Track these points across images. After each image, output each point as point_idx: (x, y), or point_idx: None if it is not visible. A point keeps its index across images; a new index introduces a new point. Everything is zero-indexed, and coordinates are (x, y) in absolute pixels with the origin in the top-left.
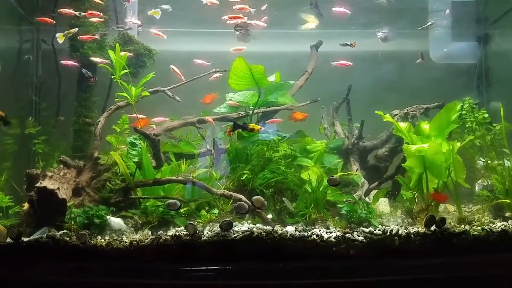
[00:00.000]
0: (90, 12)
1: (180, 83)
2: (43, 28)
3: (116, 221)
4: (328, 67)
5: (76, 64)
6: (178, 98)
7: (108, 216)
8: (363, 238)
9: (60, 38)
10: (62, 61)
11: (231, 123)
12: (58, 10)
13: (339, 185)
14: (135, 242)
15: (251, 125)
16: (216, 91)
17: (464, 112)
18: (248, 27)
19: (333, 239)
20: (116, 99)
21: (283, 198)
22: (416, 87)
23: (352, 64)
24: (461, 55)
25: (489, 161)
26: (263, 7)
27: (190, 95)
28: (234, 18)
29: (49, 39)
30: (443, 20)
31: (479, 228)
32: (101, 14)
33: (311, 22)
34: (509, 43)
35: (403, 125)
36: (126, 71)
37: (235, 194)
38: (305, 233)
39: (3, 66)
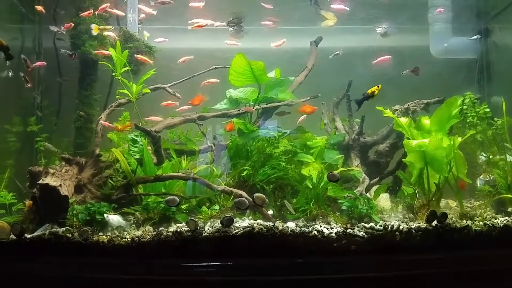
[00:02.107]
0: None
1: (180, 80)
2: (45, 26)
3: (115, 219)
4: (328, 63)
5: (43, 63)
6: (178, 95)
7: (106, 215)
8: (364, 234)
9: (95, 30)
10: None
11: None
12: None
13: (339, 181)
14: (137, 238)
15: (370, 90)
16: (216, 87)
17: (465, 106)
18: (241, 23)
19: (334, 235)
20: (117, 96)
21: (285, 201)
22: (416, 82)
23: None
24: (462, 50)
25: (491, 156)
26: (268, 6)
27: (190, 92)
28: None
29: (50, 37)
30: (443, 15)
31: (481, 223)
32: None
33: (331, 19)
34: (509, 37)
35: (403, 120)
36: (126, 68)
37: (235, 190)
38: (306, 229)
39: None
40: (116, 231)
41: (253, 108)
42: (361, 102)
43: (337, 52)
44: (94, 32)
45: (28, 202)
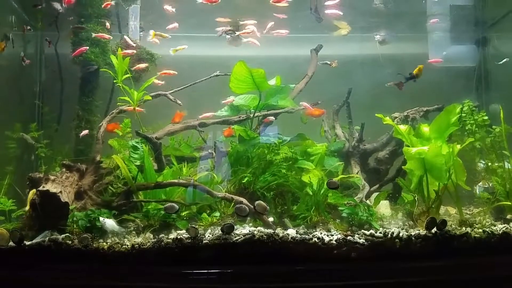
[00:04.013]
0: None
1: (181, 87)
2: (47, 33)
3: (109, 223)
4: (328, 71)
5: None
6: (179, 102)
7: (101, 218)
8: (364, 241)
9: (152, 36)
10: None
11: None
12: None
13: (339, 188)
14: (137, 245)
15: (415, 71)
16: (217, 94)
17: (463, 114)
18: (238, 31)
19: (334, 242)
20: (118, 103)
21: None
22: (415, 90)
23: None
24: (460, 58)
25: (490, 163)
26: (281, 15)
27: (191, 99)
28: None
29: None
30: (441, 24)
31: (480, 230)
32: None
33: (344, 28)
34: (507, 46)
35: (403, 127)
36: (128, 75)
37: (236, 197)
38: (307, 236)
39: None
40: (116, 238)
41: (252, 115)
42: (407, 80)
43: (329, 62)
44: (152, 38)
45: (27, 205)
